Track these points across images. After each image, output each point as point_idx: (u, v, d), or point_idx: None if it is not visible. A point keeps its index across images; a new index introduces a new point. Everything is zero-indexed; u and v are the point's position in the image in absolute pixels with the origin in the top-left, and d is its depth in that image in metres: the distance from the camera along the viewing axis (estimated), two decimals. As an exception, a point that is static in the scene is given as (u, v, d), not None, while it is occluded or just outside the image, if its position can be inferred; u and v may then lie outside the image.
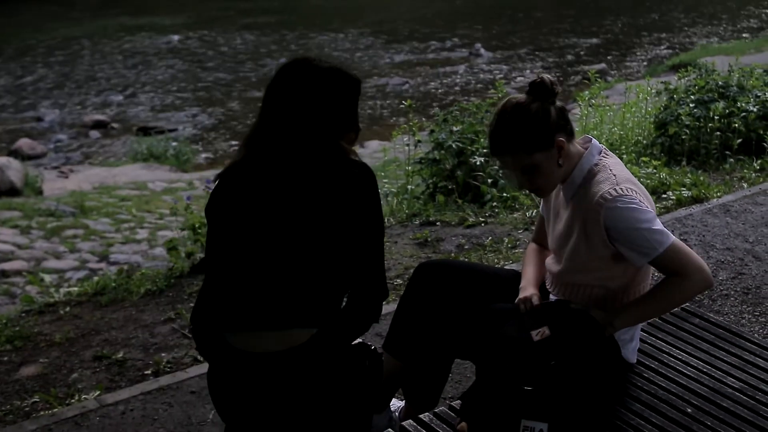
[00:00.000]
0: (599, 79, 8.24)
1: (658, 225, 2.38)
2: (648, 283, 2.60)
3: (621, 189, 2.38)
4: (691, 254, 2.40)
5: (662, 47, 19.83)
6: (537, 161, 2.43)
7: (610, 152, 2.58)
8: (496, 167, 6.35)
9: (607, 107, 8.13)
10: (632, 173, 6.05)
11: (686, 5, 26.22)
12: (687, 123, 6.98)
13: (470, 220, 5.68)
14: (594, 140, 2.57)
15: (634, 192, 2.39)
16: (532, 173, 2.46)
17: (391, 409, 2.93)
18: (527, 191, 2.54)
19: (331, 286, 2.32)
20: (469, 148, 6.36)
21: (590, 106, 7.82)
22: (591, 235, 2.44)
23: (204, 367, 3.62)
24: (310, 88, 2.27)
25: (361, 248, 2.31)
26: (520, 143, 2.42)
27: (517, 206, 5.94)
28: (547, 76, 2.46)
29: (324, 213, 2.25)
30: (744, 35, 20.70)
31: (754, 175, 6.40)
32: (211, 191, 2.40)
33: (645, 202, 2.42)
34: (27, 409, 3.57)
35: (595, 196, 2.40)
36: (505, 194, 6.06)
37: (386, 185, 6.93)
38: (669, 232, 2.39)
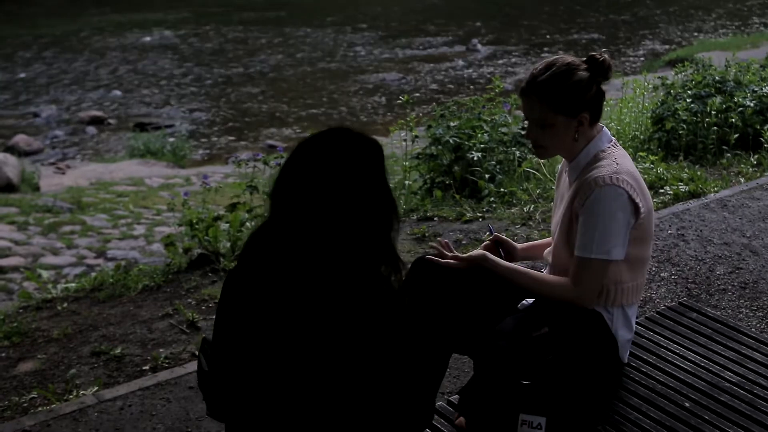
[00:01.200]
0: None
1: (614, 236, 2.38)
2: (640, 281, 2.56)
3: (618, 179, 2.40)
4: (595, 283, 2.42)
5: (659, 43, 19.84)
6: (557, 122, 2.48)
7: (619, 145, 2.61)
8: (493, 162, 6.36)
9: (604, 102, 8.12)
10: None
11: (683, 1, 26.22)
12: (684, 118, 6.98)
13: (468, 215, 5.68)
14: (606, 129, 2.60)
15: (629, 186, 2.40)
16: (546, 129, 2.50)
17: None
18: (532, 143, 2.58)
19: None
20: (466, 143, 6.36)
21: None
22: (574, 212, 2.48)
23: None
24: (340, 167, 1.83)
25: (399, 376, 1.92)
26: (553, 97, 2.46)
27: (514, 201, 5.94)
28: (607, 57, 2.52)
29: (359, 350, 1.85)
30: (741, 30, 20.71)
31: (751, 169, 6.41)
32: (217, 305, 2.07)
33: (639, 197, 2.42)
34: (25, 404, 3.56)
35: (592, 177, 2.43)
36: (502, 189, 6.07)
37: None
38: (611, 251, 2.39)
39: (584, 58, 2.53)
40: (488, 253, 2.60)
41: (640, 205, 2.42)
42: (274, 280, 1.86)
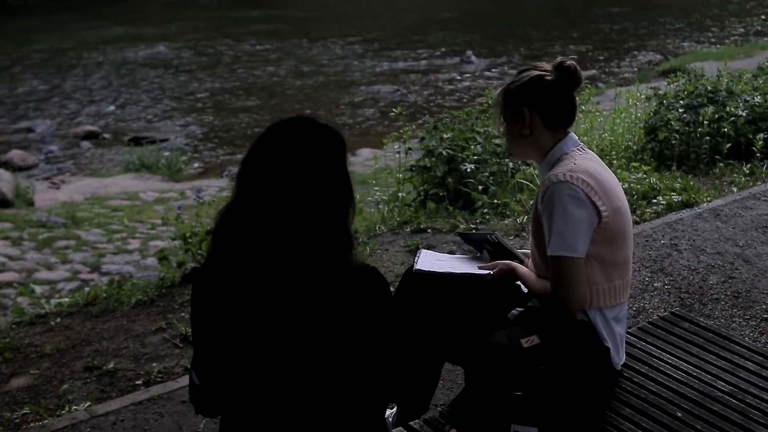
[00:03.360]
0: (590, 86, 8.28)
1: (572, 231, 2.41)
2: (617, 284, 2.55)
3: (571, 176, 2.44)
4: (573, 282, 2.43)
5: (652, 53, 19.91)
6: (506, 115, 2.64)
7: (588, 150, 2.65)
8: (486, 174, 6.37)
9: (598, 113, 8.17)
10: (622, 178, 6.00)
11: (676, 12, 26.34)
12: (677, 128, 7.00)
13: (461, 227, 5.69)
14: (573, 135, 2.65)
15: (585, 185, 2.42)
16: (505, 124, 2.68)
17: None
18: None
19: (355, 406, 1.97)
20: (459, 155, 6.37)
21: (580, 112, 7.85)
22: (539, 215, 2.52)
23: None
24: (305, 155, 1.89)
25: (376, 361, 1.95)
26: (507, 91, 2.63)
27: (507, 213, 5.94)
28: (572, 62, 2.59)
29: (337, 331, 1.89)
30: (733, 41, 20.80)
31: (743, 179, 6.42)
32: (190, 304, 2.06)
33: (599, 197, 2.43)
34: (17, 420, 3.55)
35: (548, 176, 2.50)
36: (495, 201, 6.07)
37: (377, 193, 6.94)
38: (574, 245, 2.41)
39: (560, 61, 2.61)
40: (517, 265, 2.69)
41: (599, 204, 2.43)
42: (241, 263, 1.89)
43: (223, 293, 1.91)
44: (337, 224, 1.90)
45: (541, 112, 2.58)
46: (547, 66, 2.61)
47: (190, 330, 4.29)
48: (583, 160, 2.53)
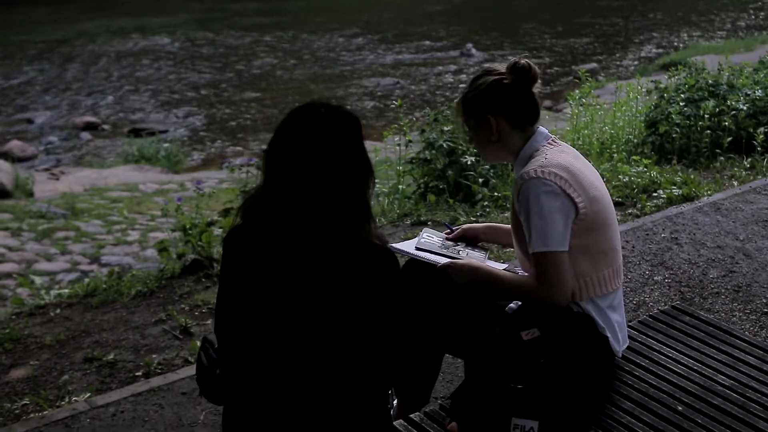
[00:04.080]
0: (590, 79, 8.25)
1: (550, 226, 2.40)
2: (605, 272, 2.53)
3: (542, 172, 2.43)
4: (558, 276, 2.42)
5: (652, 46, 19.89)
6: (470, 125, 2.64)
7: (560, 142, 2.65)
8: (487, 167, 6.36)
9: (598, 106, 8.15)
10: (623, 172, 5.97)
11: (676, 5, 26.30)
12: (677, 121, 7.00)
13: (461, 219, 5.68)
14: (542, 129, 2.65)
15: (558, 178, 2.42)
16: (471, 133, 2.68)
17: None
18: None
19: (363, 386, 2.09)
20: (460, 147, 6.36)
21: (581, 105, 7.83)
22: (517, 213, 2.53)
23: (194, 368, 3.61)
24: (324, 137, 2.02)
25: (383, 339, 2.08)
26: (465, 101, 2.63)
27: (507, 205, 5.93)
28: (528, 62, 2.58)
29: (350, 305, 2.02)
30: (733, 34, 20.77)
31: (744, 173, 6.42)
32: (221, 258, 2.18)
33: (574, 189, 2.42)
34: (17, 411, 3.55)
35: (519, 174, 2.50)
36: (496, 193, 6.07)
37: (378, 185, 6.93)
38: (554, 240, 2.40)
39: (512, 63, 2.60)
40: (480, 265, 2.64)
41: (575, 196, 2.42)
42: (268, 238, 2.05)
43: (251, 258, 2.06)
44: (356, 196, 2.05)
45: (505, 116, 2.58)
46: (502, 68, 2.60)
47: (189, 322, 4.30)
48: (554, 153, 2.53)
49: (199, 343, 3.93)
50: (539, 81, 2.62)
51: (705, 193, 5.86)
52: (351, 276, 2.02)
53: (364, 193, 2.07)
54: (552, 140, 2.63)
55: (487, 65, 2.68)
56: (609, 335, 2.56)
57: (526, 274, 2.64)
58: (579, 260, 2.48)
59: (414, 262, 2.80)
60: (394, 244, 2.76)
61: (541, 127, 2.65)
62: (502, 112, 2.58)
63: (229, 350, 2.13)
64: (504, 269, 2.79)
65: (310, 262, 2.01)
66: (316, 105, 2.09)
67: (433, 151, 6.48)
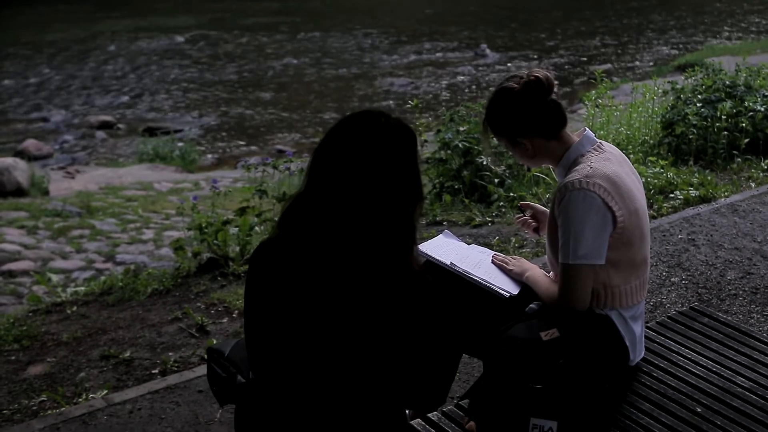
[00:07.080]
0: (605, 79, 8.21)
1: (588, 240, 2.37)
2: (634, 284, 2.52)
3: (589, 183, 2.38)
4: (579, 290, 2.41)
5: (668, 47, 19.81)
6: (504, 143, 2.62)
7: (605, 147, 2.58)
8: (503, 166, 6.35)
9: (614, 107, 8.11)
10: (639, 173, 6.01)
11: (692, 6, 26.18)
12: (694, 123, 6.96)
13: (477, 219, 5.67)
14: (588, 132, 2.59)
15: (602, 190, 2.37)
16: (507, 148, 2.66)
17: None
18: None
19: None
20: (475, 147, 6.35)
21: (597, 106, 7.81)
22: (555, 218, 2.48)
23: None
24: (380, 149, 1.87)
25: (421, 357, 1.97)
26: (493, 125, 2.60)
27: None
28: (537, 75, 2.49)
29: (385, 327, 1.90)
30: (750, 35, 20.66)
31: (761, 174, 6.38)
32: (247, 274, 2.05)
33: (616, 201, 2.39)
34: (35, 408, 3.57)
35: (564, 182, 2.44)
36: (512, 194, 6.05)
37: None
38: (585, 254, 2.37)
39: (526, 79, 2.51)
40: (530, 270, 2.65)
41: (616, 209, 2.38)
42: (303, 251, 1.90)
43: (283, 273, 1.92)
44: (405, 218, 1.92)
45: (537, 134, 2.53)
46: (516, 85, 2.51)
47: (206, 320, 4.31)
48: (600, 161, 2.48)
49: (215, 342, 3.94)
50: (556, 85, 2.56)
51: (722, 195, 5.83)
52: (391, 304, 1.88)
53: (412, 215, 1.93)
54: (598, 145, 2.57)
55: (502, 83, 2.58)
56: (627, 344, 2.55)
57: (553, 274, 2.63)
58: (611, 272, 2.46)
59: (432, 263, 2.78)
60: (421, 247, 2.68)
61: (587, 130, 2.60)
62: (533, 132, 2.53)
63: (262, 366, 2.02)
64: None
65: (349, 286, 1.87)
66: (374, 113, 1.94)
67: (449, 151, 6.48)
